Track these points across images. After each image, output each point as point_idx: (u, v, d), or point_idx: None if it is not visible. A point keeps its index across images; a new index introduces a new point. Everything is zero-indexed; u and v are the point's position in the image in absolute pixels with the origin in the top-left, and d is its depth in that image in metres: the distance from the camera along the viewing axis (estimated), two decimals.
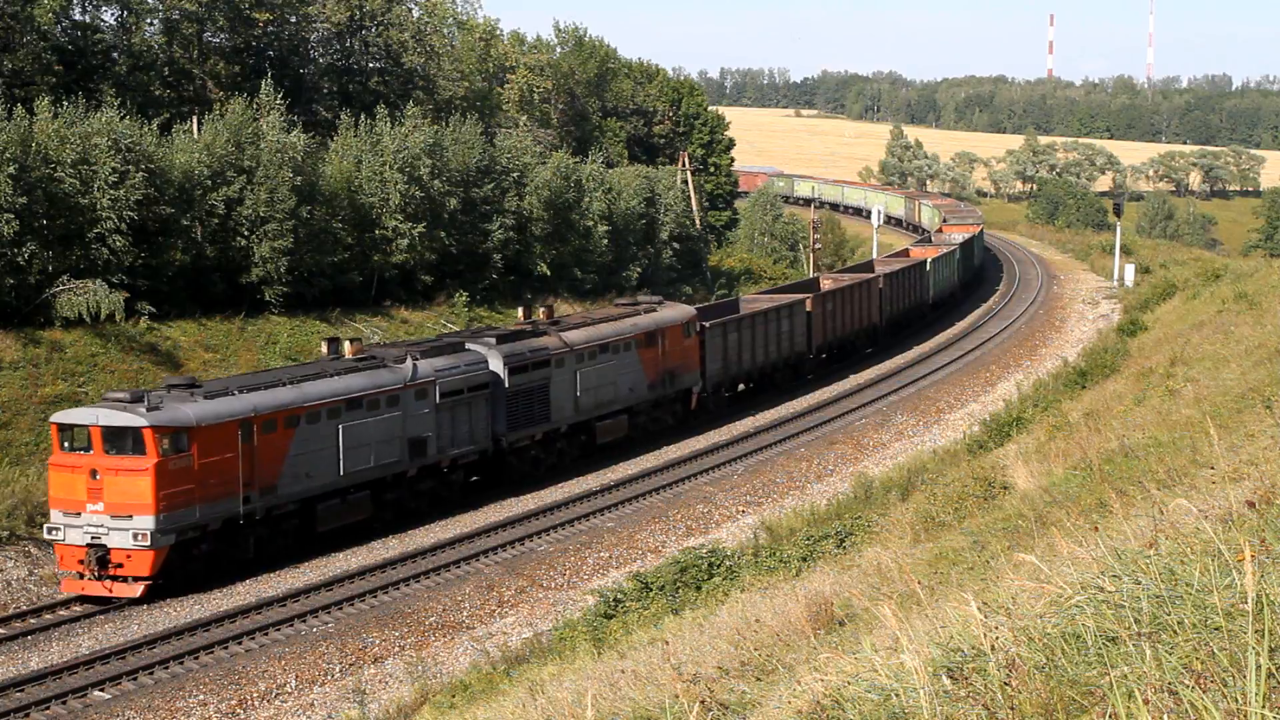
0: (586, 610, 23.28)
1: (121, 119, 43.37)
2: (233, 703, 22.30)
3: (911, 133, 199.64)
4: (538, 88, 76.52)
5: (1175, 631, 5.30)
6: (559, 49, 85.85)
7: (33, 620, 25.89)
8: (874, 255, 79.39)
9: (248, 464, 27.45)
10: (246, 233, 46.45)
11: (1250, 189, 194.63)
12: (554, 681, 14.89)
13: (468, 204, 55.81)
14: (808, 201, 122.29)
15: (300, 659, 24.09)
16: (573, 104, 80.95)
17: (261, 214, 46.37)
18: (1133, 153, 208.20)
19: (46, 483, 28.10)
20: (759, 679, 10.09)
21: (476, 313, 54.02)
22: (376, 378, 30.70)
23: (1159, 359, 30.65)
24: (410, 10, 67.70)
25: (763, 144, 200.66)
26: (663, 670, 11.42)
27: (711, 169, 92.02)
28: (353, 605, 26.79)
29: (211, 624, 25.26)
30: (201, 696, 22.38)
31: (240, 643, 24.64)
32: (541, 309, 39.21)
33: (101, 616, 25.81)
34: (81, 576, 26.44)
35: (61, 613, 26.32)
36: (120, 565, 26.15)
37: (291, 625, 25.61)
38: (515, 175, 59.01)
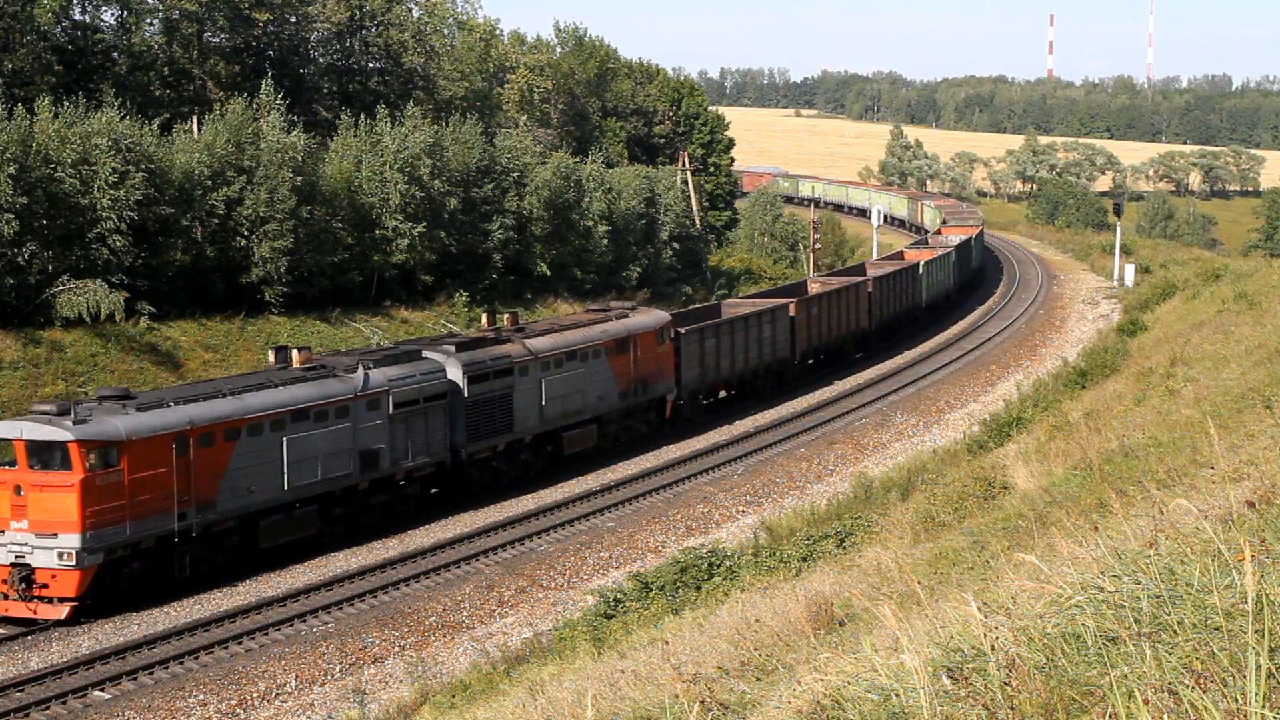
0: (586, 610, 23.29)
1: (121, 119, 43.40)
2: (233, 703, 22.30)
3: (911, 133, 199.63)
4: (538, 88, 76.55)
5: (1175, 631, 5.30)
6: (559, 49, 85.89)
7: None
8: (874, 256, 79.42)
9: (183, 479, 26.18)
10: (246, 233, 46.48)
11: (1250, 189, 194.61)
12: (554, 681, 14.89)
13: (468, 204, 55.84)
14: (813, 202, 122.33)
15: (300, 659, 24.09)
16: (573, 104, 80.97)
17: (261, 214, 46.40)
18: (1133, 153, 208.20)
19: None
20: (759, 679, 10.09)
21: (476, 312, 54.04)
22: (325, 388, 29.36)
23: (1159, 359, 30.64)
24: (410, 10, 67.74)
25: (763, 144, 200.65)
26: (663, 670, 11.42)
27: (711, 169, 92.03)
28: (353, 605, 26.78)
29: (211, 624, 25.25)
30: (201, 696, 22.38)
31: (240, 643, 24.63)
32: (506, 315, 38.04)
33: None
34: (5, 597, 25.22)
35: None
36: (45, 586, 24.89)
37: (291, 625, 25.60)
38: (515, 175, 59.04)
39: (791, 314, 47.67)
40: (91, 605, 25.47)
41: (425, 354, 32.59)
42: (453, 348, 33.04)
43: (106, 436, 25.15)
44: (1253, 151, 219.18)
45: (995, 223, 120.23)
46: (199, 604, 26.62)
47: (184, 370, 40.83)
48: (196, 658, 23.87)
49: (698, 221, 75.74)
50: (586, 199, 62.10)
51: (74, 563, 24.80)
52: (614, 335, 38.13)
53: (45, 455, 25.06)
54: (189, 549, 26.81)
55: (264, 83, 52.02)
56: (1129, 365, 34.06)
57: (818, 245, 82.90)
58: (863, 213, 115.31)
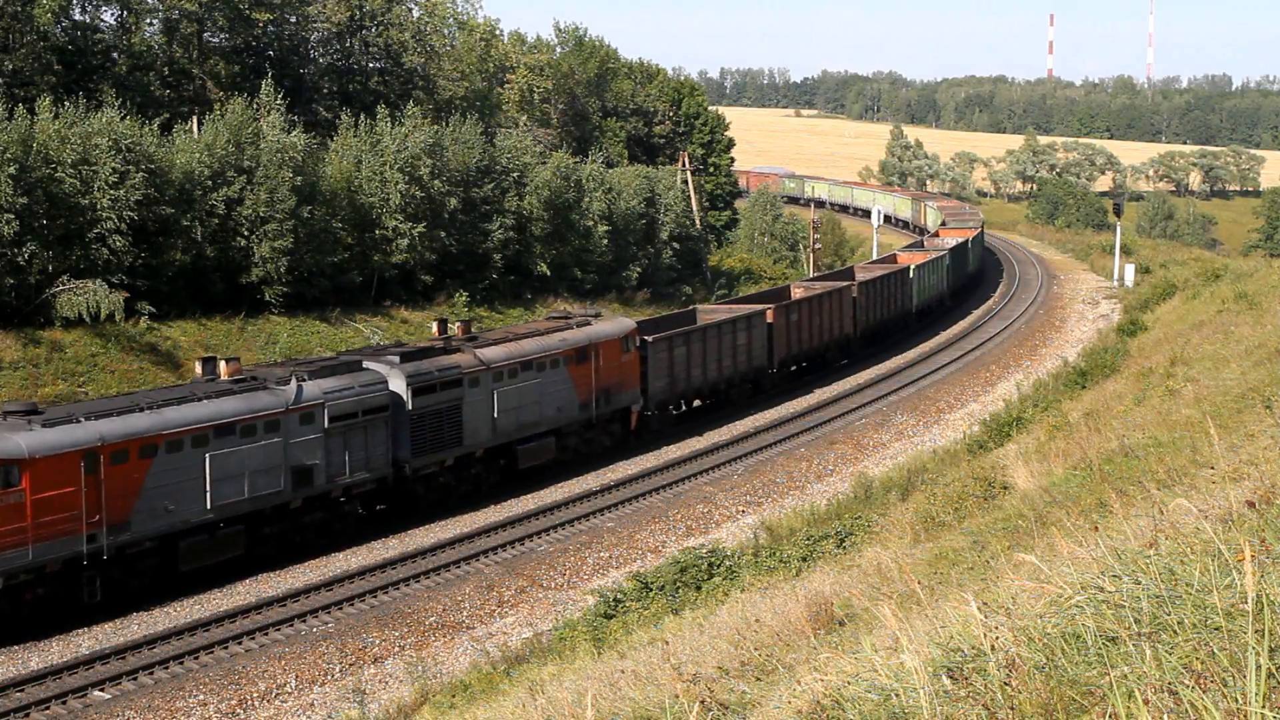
0: (586, 610, 23.29)
1: (121, 119, 43.40)
2: (233, 703, 22.31)
3: (911, 133, 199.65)
4: (538, 88, 76.57)
5: (1175, 631, 5.30)
6: (559, 49, 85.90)
7: None
8: (874, 256, 79.40)
9: (93, 499, 24.75)
10: (246, 233, 46.48)
11: (1250, 189, 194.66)
12: (554, 681, 14.89)
13: (468, 204, 55.85)
14: (820, 203, 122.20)
15: (300, 659, 24.10)
16: (573, 104, 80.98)
17: (261, 214, 46.40)
18: (1133, 153, 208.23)
19: None
20: (759, 679, 10.09)
21: (477, 312, 54.06)
22: (253, 401, 27.90)
23: (1159, 359, 30.64)
24: (410, 10, 67.75)
25: (763, 144, 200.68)
26: (663, 670, 11.42)
27: (711, 169, 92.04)
28: (353, 605, 26.79)
29: (211, 624, 25.25)
30: (201, 696, 22.39)
31: (240, 643, 24.64)
32: (458, 324, 36.43)
33: (101, 616, 25.78)
34: None
35: None
36: None
37: (291, 625, 25.61)
38: (515, 175, 59.04)
39: (768, 320, 46.16)
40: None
41: (366, 365, 31.15)
42: (397, 358, 31.65)
43: (7, 455, 23.80)
44: (1253, 151, 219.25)
45: (995, 223, 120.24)
46: (199, 604, 26.63)
47: (184, 371, 40.82)
48: (196, 658, 23.88)
49: (698, 221, 75.74)
50: (586, 199, 62.11)
51: None
52: (574, 344, 36.58)
53: None
54: (100, 572, 25.31)
55: (264, 83, 52.04)
56: (1129, 365, 34.06)
57: (818, 245, 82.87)
58: (869, 214, 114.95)
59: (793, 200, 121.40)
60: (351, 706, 21.59)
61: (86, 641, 24.53)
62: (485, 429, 33.66)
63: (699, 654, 12.67)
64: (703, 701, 8.44)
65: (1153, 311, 49.48)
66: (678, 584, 21.76)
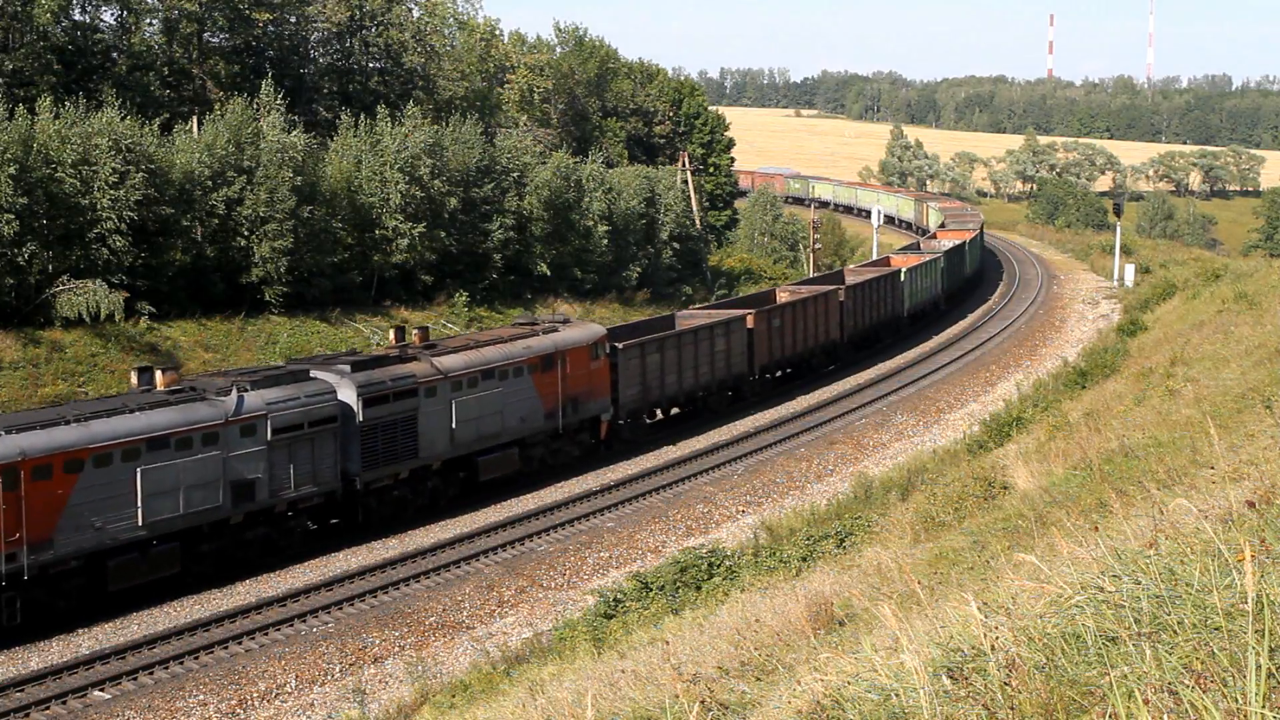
0: (586, 610, 23.30)
1: (122, 119, 43.41)
2: (233, 703, 22.31)
3: (911, 133, 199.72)
4: (538, 88, 76.58)
5: (1175, 631, 5.30)
6: (559, 49, 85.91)
7: None
8: (874, 256, 79.40)
9: (12, 516, 23.64)
10: (246, 233, 46.50)
11: (1250, 189, 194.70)
12: (554, 681, 14.89)
13: (468, 204, 55.86)
14: (824, 204, 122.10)
15: (300, 659, 24.10)
16: (573, 104, 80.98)
17: (261, 214, 46.41)
18: (1133, 153, 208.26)
19: None
20: (759, 679, 10.09)
21: (477, 312, 54.07)
22: (190, 413, 26.69)
23: (1159, 359, 30.65)
24: (410, 10, 67.75)
25: (763, 144, 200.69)
26: (663, 670, 11.42)
27: (711, 169, 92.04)
28: (353, 605, 26.79)
29: (211, 624, 25.25)
30: (201, 696, 22.40)
31: (240, 643, 24.65)
32: (415, 331, 35.01)
33: (101, 616, 25.78)
34: None
35: None
36: None
37: (291, 625, 25.62)
38: (515, 175, 59.05)
39: (749, 326, 44.91)
40: None
41: (314, 374, 29.96)
42: (348, 367, 30.54)
43: None
44: (1253, 151, 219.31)
45: (995, 223, 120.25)
46: (199, 604, 26.64)
47: (184, 371, 40.82)
48: (196, 658, 23.88)
49: (698, 221, 75.75)
50: (586, 199, 62.11)
51: None
52: (539, 352, 35.43)
53: None
54: (20, 594, 24.15)
55: (264, 83, 52.06)
56: (1129, 365, 34.07)
57: (818, 245, 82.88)
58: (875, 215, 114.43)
59: (798, 201, 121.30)
60: (351, 706, 21.60)
61: (86, 641, 24.53)
62: (443, 440, 32.49)
63: (699, 654, 12.67)
64: (703, 701, 8.44)
65: (1153, 311, 49.48)
66: (678, 584, 21.77)
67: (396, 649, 24.98)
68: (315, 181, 49.20)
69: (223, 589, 27.47)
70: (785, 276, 78.43)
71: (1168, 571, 5.87)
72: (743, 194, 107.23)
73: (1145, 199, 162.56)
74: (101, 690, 22.42)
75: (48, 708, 21.71)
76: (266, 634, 25.12)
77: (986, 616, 6.17)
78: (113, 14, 56.79)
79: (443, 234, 53.77)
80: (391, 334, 35.26)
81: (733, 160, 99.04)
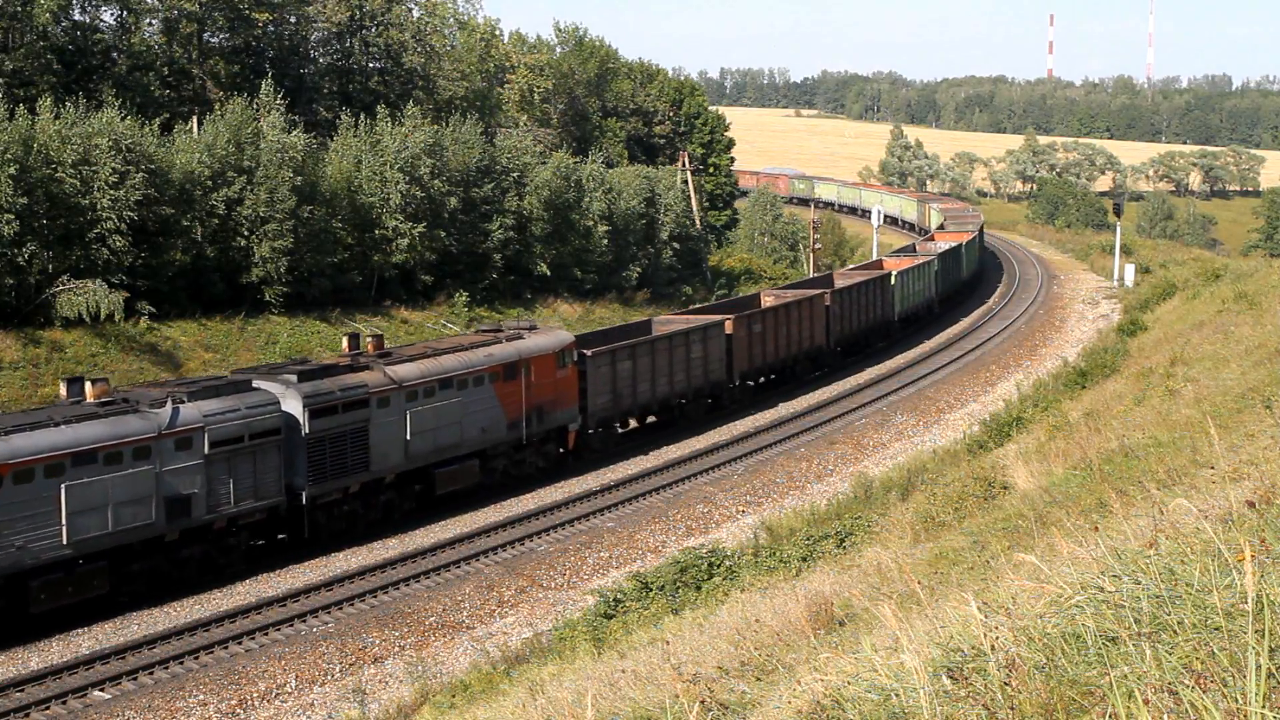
0: (586, 610, 23.30)
1: (122, 119, 43.42)
2: (233, 703, 22.32)
3: (911, 133, 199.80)
4: (538, 88, 76.58)
5: (1175, 631, 5.30)
6: (559, 49, 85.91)
7: None
8: (873, 256, 79.41)
9: None
10: (246, 233, 46.51)
11: (1250, 189, 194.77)
12: (554, 681, 14.90)
13: (468, 204, 55.87)
14: (829, 204, 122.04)
15: (300, 659, 24.11)
16: (573, 104, 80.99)
17: (261, 214, 46.43)
18: (1133, 153, 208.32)
19: None
20: (759, 679, 10.09)
21: (477, 312, 54.08)
22: (120, 426, 25.44)
23: (1159, 359, 30.66)
24: (410, 10, 67.76)
25: (763, 144, 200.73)
26: (663, 670, 11.42)
27: (711, 169, 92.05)
28: (353, 605, 26.79)
29: (211, 624, 25.26)
30: (201, 696, 22.40)
31: (240, 643, 24.65)
32: (369, 339, 33.50)
33: (101, 616, 25.78)
34: None
35: None
36: None
37: (291, 625, 25.62)
38: (515, 175, 59.06)
39: (728, 332, 43.63)
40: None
41: (257, 384, 28.80)
42: (294, 377, 29.24)
43: None
44: (1253, 151, 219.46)
45: (995, 223, 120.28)
46: (199, 604, 26.64)
47: (184, 370, 40.84)
48: (196, 658, 23.88)
49: (698, 221, 75.76)
50: (586, 199, 62.13)
51: None
52: (501, 360, 34.21)
53: None
54: None
55: (264, 83, 52.07)
56: (1129, 365, 34.08)
57: (818, 245, 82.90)
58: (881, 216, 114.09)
59: (803, 202, 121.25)
60: (351, 706, 21.60)
61: (86, 641, 24.54)
62: (396, 452, 31.27)
63: (699, 654, 12.67)
64: (703, 701, 8.44)
65: (1153, 311, 49.49)
66: (678, 584, 21.77)
67: (396, 649, 24.99)
68: (315, 181, 49.22)
69: (223, 589, 27.47)
70: (785, 276, 78.45)
71: (1168, 571, 5.87)
72: (745, 194, 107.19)
73: (1145, 199, 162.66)
74: (101, 690, 22.42)
75: (48, 708, 21.71)
76: (266, 634, 25.12)
77: (986, 616, 6.17)
78: (113, 14, 56.82)
79: (443, 234, 53.78)
80: (345, 341, 33.48)
81: (733, 160, 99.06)
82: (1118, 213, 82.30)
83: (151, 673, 23.16)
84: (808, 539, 22.75)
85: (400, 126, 54.21)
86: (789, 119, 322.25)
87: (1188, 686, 4.79)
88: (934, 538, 18.26)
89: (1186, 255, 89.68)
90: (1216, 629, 5.15)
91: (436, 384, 32.26)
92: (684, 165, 77.63)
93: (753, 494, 35.20)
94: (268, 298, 46.76)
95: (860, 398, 46.96)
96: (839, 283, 55.46)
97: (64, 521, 24.51)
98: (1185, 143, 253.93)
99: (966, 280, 73.66)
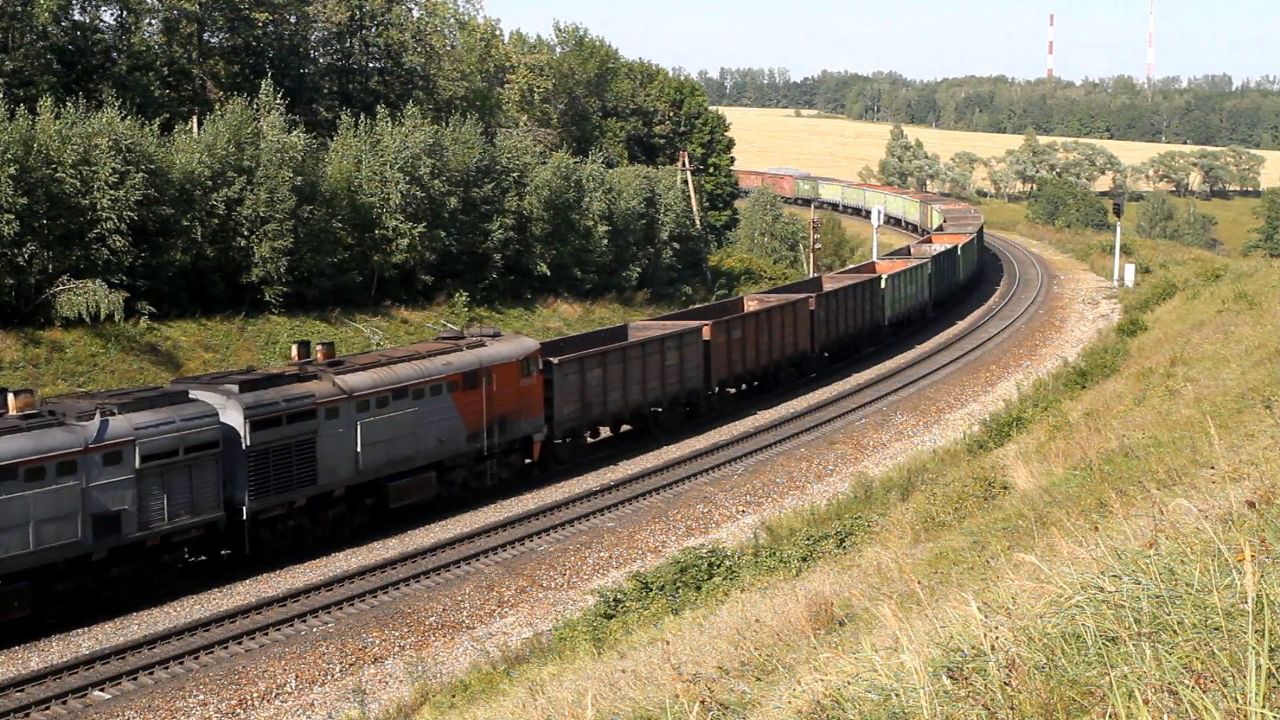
0: (586, 610, 23.30)
1: (122, 119, 43.43)
2: (233, 703, 22.32)
3: (911, 133, 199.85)
4: (538, 88, 76.58)
5: (1175, 631, 5.30)
6: (559, 49, 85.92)
7: None
8: (874, 256, 79.40)
9: None
10: (246, 233, 46.52)
11: (1250, 189, 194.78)
12: (554, 681, 14.90)
13: (468, 204, 55.88)
14: (834, 205, 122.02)
15: (300, 659, 24.11)
16: (573, 104, 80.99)
17: (261, 214, 46.43)
18: (1133, 153, 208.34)
19: None
20: (759, 679, 10.09)
21: (477, 312, 54.08)
22: (42, 440, 24.20)
23: (1159, 359, 30.66)
24: (410, 10, 67.76)
25: (763, 144, 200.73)
26: (663, 670, 11.42)
27: (711, 169, 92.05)
28: (353, 605, 26.79)
29: (211, 624, 25.25)
30: (201, 696, 22.40)
31: (240, 643, 24.65)
32: (319, 347, 31.99)
33: (101, 616, 25.78)
34: None
35: None
36: None
37: (291, 625, 25.62)
38: (515, 175, 59.07)
39: (705, 338, 42.52)
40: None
41: (194, 395, 27.52)
42: (235, 387, 27.98)
43: None
44: (1253, 151, 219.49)
45: (995, 223, 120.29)
46: (199, 604, 26.63)
47: (184, 371, 40.84)
48: (196, 658, 23.88)
49: (698, 221, 75.77)
50: (586, 199, 62.14)
51: None
52: (460, 368, 33.09)
53: None
54: None
55: (264, 83, 52.08)
56: (1129, 365, 34.09)
57: (818, 245, 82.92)
58: (882, 216, 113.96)
59: (807, 202, 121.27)
60: (351, 706, 21.60)
61: (86, 641, 24.53)
62: (346, 465, 30.01)
63: (699, 654, 12.67)
64: (703, 701, 8.44)
65: (1153, 311, 49.51)
66: (678, 584, 21.77)
67: (396, 649, 24.99)
68: (315, 181, 49.22)
69: (223, 589, 27.47)
70: (785, 276, 78.47)
71: (1168, 571, 5.87)
72: (748, 194, 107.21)
73: (1145, 199, 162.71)
74: (101, 690, 22.42)
75: (48, 708, 21.71)
76: (266, 634, 25.12)
77: (986, 616, 6.17)
78: (112, 14, 56.83)
79: (443, 234, 53.79)
80: (294, 350, 32.22)
81: (732, 160, 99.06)
82: (1118, 213, 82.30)
83: (151, 673, 23.16)
84: (808, 539, 22.75)
85: (400, 126, 54.21)
86: (789, 119, 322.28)
87: (1188, 686, 4.79)
88: (934, 538, 18.27)
89: (1186, 255, 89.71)
90: (1216, 629, 5.15)
91: (390, 394, 31.04)
92: (684, 165, 77.64)
93: (753, 494, 35.20)
94: (268, 298, 46.76)
95: (860, 398, 46.96)
96: (827, 286, 54.51)
97: None
98: (1185, 143, 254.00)
99: (963, 283, 72.41)
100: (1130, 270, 71.95)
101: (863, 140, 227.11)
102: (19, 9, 48.58)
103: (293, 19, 63.29)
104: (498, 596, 27.71)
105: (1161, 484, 11.57)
